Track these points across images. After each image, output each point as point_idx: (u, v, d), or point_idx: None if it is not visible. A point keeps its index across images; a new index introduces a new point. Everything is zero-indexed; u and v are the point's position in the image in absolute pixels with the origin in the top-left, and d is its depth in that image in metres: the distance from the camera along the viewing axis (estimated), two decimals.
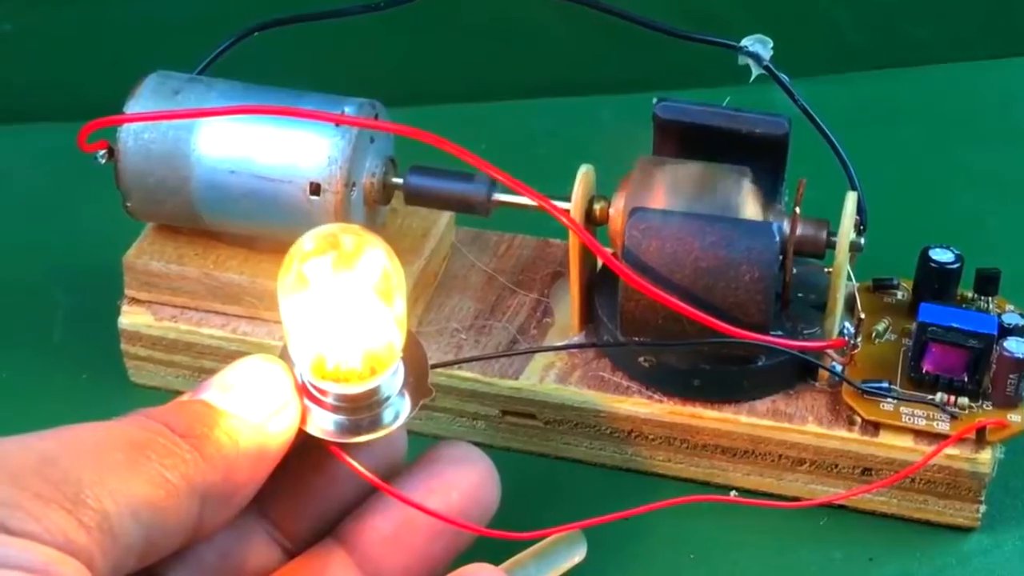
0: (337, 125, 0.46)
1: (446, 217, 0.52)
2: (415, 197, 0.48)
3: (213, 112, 0.45)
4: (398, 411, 0.38)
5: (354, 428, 0.38)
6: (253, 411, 0.36)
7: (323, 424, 0.38)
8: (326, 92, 0.48)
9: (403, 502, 0.37)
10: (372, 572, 0.38)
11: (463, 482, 0.39)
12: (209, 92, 0.48)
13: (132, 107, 0.47)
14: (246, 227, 0.48)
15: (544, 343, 0.49)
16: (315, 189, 0.46)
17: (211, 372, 0.49)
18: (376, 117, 0.48)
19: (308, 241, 0.37)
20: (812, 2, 0.67)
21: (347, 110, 0.47)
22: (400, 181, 0.48)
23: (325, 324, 0.37)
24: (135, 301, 0.50)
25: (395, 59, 0.65)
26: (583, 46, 0.64)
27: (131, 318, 0.50)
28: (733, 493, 0.47)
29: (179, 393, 0.50)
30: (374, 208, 0.48)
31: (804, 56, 0.66)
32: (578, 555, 0.41)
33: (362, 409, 0.38)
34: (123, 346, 0.50)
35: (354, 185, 0.47)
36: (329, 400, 0.38)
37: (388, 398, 0.38)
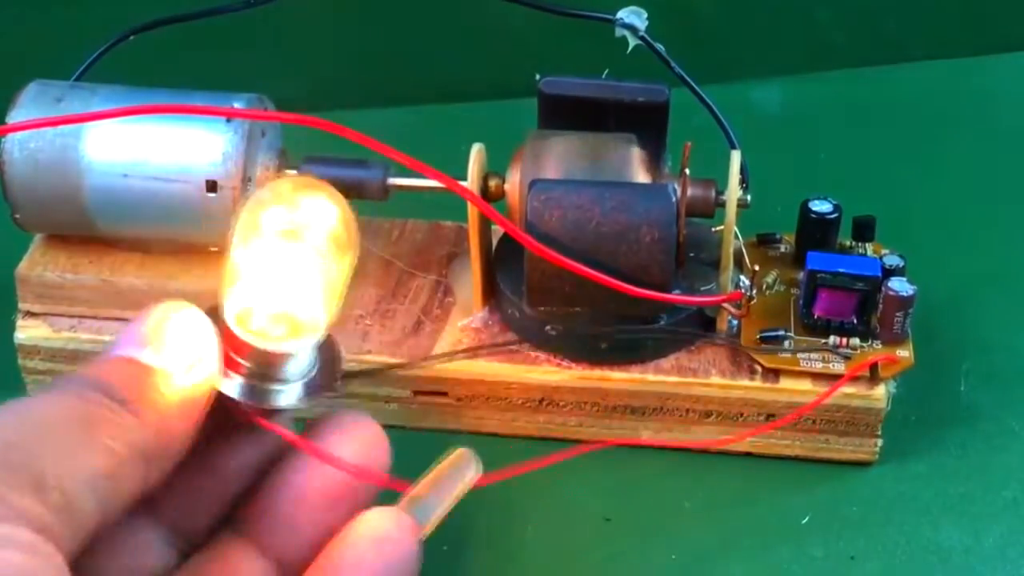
0: (229, 121, 0.46)
1: None
2: None
3: (104, 115, 0.44)
4: (304, 393, 0.37)
5: (260, 396, 0.37)
6: (176, 362, 0.35)
7: (230, 389, 0.36)
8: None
9: (320, 458, 0.36)
10: (275, 555, 0.38)
11: (353, 446, 0.38)
12: (93, 97, 0.47)
13: (14, 117, 0.47)
14: (143, 230, 0.48)
15: (448, 322, 0.50)
16: (212, 186, 0.46)
17: None
18: (265, 111, 0.48)
19: (267, 191, 0.36)
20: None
21: (237, 105, 0.47)
22: (294, 172, 0.48)
23: (267, 274, 0.36)
24: (30, 314, 0.49)
25: (277, 57, 0.65)
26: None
27: (28, 332, 0.49)
28: (646, 434, 0.48)
29: None
30: None
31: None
32: (472, 473, 0.39)
33: (272, 379, 0.37)
34: (21, 361, 0.49)
35: (250, 180, 0.47)
36: (244, 364, 0.36)
37: (299, 380, 0.37)
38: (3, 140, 0.46)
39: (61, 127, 0.46)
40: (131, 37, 0.51)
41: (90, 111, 0.46)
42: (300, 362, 0.38)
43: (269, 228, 0.36)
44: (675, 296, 0.46)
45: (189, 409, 0.35)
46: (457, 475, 0.39)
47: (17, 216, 0.48)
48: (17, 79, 0.48)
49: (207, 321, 0.36)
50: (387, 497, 0.38)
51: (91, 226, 0.48)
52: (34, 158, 0.47)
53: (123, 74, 0.49)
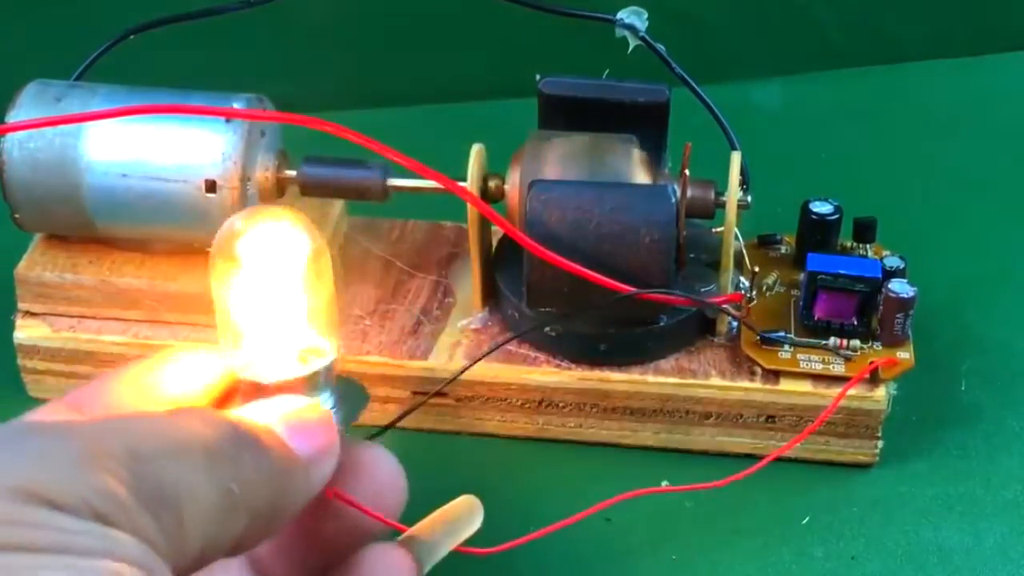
0: (228, 121, 0.46)
1: (339, 206, 0.52)
2: (311, 188, 0.48)
3: (104, 115, 0.44)
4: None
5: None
6: (303, 445, 0.33)
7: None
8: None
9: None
10: None
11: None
12: (93, 97, 0.47)
13: (14, 116, 0.47)
14: (142, 230, 0.48)
15: (448, 322, 0.49)
16: (211, 186, 0.46)
17: None
18: (265, 111, 0.48)
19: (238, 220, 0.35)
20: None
21: (236, 105, 0.47)
22: (294, 173, 0.48)
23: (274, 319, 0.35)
24: (30, 314, 0.49)
25: (276, 57, 0.65)
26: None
27: (27, 332, 0.49)
28: (664, 483, 0.47)
29: None
30: (269, 202, 0.49)
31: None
32: (477, 525, 0.39)
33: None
34: (20, 361, 0.49)
35: (249, 180, 0.47)
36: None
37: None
38: (3, 140, 0.46)
39: (61, 127, 0.46)
40: (131, 37, 0.51)
41: (90, 111, 0.46)
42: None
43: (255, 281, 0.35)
44: (675, 297, 0.46)
45: (306, 488, 0.33)
46: (465, 521, 0.38)
47: (17, 216, 0.48)
48: (17, 79, 0.48)
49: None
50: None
51: (91, 226, 0.48)
52: (33, 158, 0.47)
53: (123, 74, 0.49)
